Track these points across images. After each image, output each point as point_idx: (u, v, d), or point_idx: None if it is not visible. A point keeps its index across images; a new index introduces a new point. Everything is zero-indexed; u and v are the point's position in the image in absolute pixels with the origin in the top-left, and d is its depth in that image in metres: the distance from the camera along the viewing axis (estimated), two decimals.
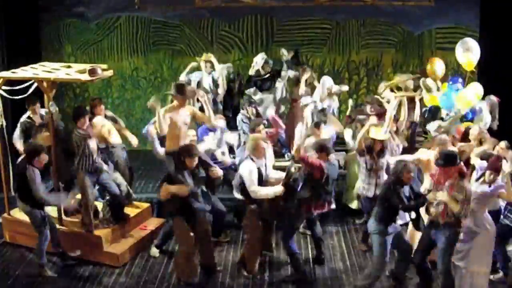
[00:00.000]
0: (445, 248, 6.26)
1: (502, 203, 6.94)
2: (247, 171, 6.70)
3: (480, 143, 7.45)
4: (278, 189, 6.69)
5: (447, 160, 6.19)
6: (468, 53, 8.69)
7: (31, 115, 8.23)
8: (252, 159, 6.79)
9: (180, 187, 6.50)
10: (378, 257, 6.43)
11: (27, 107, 8.21)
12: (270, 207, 6.78)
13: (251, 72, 9.62)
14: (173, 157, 7.01)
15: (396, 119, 7.91)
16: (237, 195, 7.11)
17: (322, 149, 6.80)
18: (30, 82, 7.65)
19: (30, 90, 7.72)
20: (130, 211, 8.00)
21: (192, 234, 6.76)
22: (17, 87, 7.68)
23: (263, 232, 6.95)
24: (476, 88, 8.37)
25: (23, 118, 8.28)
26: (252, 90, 9.46)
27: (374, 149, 7.35)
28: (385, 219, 6.35)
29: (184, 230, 6.71)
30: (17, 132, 8.19)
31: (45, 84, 7.31)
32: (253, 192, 6.68)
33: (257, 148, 6.79)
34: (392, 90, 8.78)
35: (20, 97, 7.76)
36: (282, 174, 6.92)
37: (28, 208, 6.96)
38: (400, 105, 7.91)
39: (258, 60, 9.58)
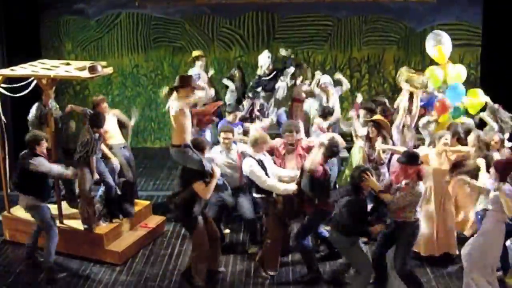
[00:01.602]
0: (401, 248, 6.18)
1: None
2: (248, 167, 6.66)
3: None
4: (291, 187, 6.57)
5: (409, 158, 6.10)
6: (441, 45, 8.55)
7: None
8: (250, 155, 6.72)
9: (213, 178, 6.35)
10: (361, 266, 6.19)
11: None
12: (284, 206, 6.63)
13: (260, 72, 9.53)
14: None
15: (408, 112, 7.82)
16: (255, 194, 6.97)
17: (327, 150, 6.50)
18: (30, 80, 7.61)
19: (30, 88, 7.69)
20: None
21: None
22: (17, 85, 7.64)
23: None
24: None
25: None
26: (259, 89, 9.40)
27: (373, 138, 7.34)
28: (353, 231, 6.08)
29: (204, 232, 6.53)
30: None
31: (44, 81, 7.27)
32: (265, 184, 6.55)
33: (259, 144, 6.71)
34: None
35: (19, 95, 7.72)
36: (291, 173, 6.84)
37: (32, 202, 6.83)
38: (412, 98, 7.81)
39: (265, 60, 9.50)
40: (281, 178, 6.82)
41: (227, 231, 7.93)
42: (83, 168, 7.15)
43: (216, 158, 7.23)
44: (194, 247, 6.56)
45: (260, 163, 6.73)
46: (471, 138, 7.15)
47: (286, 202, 6.65)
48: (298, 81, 9.59)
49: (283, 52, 9.83)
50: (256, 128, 7.89)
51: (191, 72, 9.60)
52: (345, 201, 6.04)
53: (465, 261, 6.25)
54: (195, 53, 9.98)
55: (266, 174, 6.70)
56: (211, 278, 6.80)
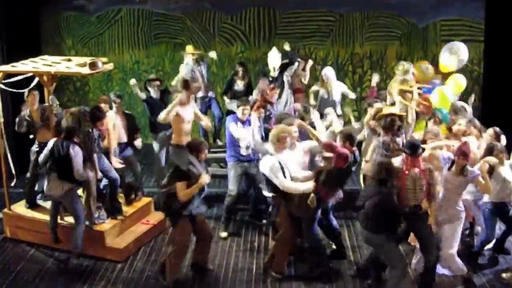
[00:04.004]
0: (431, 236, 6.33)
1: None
2: (268, 167, 6.48)
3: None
4: (309, 185, 6.41)
5: (413, 150, 6.18)
6: (454, 56, 8.43)
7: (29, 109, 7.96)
8: (271, 154, 6.57)
9: (200, 181, 6.34)
10: (396, 262, 6.14)
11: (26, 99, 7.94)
12: (299, 204, 6.49)
13: (274, 74, 9.30)
14: (181, 151, 6.97)
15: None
16: (266, 193, 6.89)
17: (347, 138, 6.50)
18: (31, 76, 7.57)
19: (32, 84, 7.65)
20: (132, 205, 7.98)
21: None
22: (16, 81, 7.60)
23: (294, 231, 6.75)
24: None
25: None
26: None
27: (393, 126, 7.14)
28: (388, 226, 6.09)
29: (188, 230, 6.61)
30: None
31: (45, 77, 7.23)
32: (282, 186, 6.43)
33: (280, 140, 6.56)
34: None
35: (20, 91, 7.68)
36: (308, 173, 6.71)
37: (70, 186, 6.91)
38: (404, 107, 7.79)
39: (276, 60, 9.30)
40: (296, 177, 6.63)
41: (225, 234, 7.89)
42: (88, 166, 7.13)
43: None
44: (172, 242, 6.71)
45: (281, 163, 6.54)
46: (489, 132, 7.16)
47: (299, 199, 6.48)
48: (304, 68, 9.48)
49: (287, 47, 9.67)
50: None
51: (185, 67, 9.55)
52: (375, 199, 5.99)
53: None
54: (189, 49, 9.79)
55: (284, 174, 6.55)
56: (198, 271, 6.92)
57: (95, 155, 7.23)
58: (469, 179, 6.34)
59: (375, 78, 9.09)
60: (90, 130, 7.14)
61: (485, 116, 10.20)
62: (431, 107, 8.12)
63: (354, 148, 6.53)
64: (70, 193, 6.97)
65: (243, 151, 7.67)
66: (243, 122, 7.67)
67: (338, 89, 9.26)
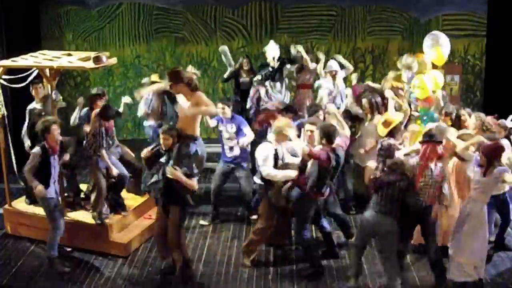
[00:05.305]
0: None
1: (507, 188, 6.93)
2: (263, 153, 6.61)
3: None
4: (291, 173, 6.52)
5: (431, 135, 6.28)
6: (438, 46, 8.34)
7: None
8: (270, 141, 6.69)
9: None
10: (394, 251, 6.18)
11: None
12: (280, 194, 6.61)
13: (274, 64, 9.19)
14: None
15: None
16: (257, 180, 6.97)
17: (325, 135, 6.40)
18: (31, 71, 7.53)
19: (29, 79, 7.61)
20: (134, 200, 7.98)
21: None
22: (18, 76, 7.57)
23: (278, 223, 6.85)
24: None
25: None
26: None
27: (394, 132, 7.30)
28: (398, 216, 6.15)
29: None
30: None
31: (47, 72, 7.17)
32: (264, 172, 6.56)
33: (281, 134, 6.60)
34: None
35: (20, 85, 7.64)
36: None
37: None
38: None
39: (276, 51, 9.22)
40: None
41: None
42: (96, 162, 7.12)
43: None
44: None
45: (275, 153, 6.65)
46: (474, 122, 7.11)
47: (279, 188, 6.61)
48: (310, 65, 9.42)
49: (293, 50, 9.57)
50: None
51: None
52: (401, 187, 6.03)
53: (453, 247, 6.34)
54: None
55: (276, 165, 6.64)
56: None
57: (104, 151, 7.23)
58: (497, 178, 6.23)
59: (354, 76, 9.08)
60: (97, 126, 7.12)
61: (487, 111, 10.15)
62: (431, 101, 8.09)
63: (334, 146, 6.44)
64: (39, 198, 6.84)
65: (227, 151, 7.76)
66: (224, 120, 7.75)
67: (341, 76, 9.26)
